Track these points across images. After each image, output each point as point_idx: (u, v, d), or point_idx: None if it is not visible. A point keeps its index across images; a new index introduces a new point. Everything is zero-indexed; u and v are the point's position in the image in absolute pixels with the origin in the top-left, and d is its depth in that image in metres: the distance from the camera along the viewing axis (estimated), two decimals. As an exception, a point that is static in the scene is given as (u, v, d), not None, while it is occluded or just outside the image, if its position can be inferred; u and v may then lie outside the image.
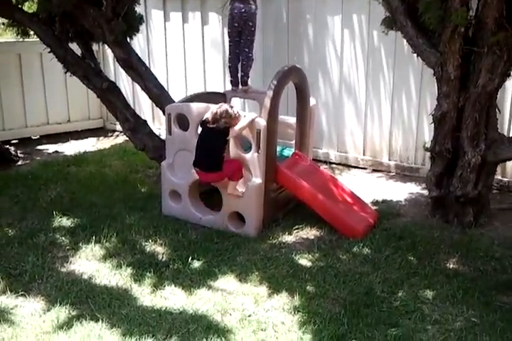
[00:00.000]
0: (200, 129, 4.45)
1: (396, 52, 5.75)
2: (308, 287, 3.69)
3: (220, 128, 4.23)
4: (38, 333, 3.19)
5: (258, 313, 3.40)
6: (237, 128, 4.26)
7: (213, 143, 4.32)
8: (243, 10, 4.85)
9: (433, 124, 4.63)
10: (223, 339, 3.14)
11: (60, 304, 3.46)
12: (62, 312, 3.38)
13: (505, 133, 4.96)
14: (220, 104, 4.33)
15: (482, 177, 4.56)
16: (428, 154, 4.85)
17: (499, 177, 5.40)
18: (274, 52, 6.39)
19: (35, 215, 4.78)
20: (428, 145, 4.73)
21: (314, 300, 3.54)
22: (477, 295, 3.59)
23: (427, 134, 5.63)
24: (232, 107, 4.30)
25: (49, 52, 5.39)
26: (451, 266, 4.00)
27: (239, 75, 5.21)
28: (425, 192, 5.10)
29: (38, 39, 5.44)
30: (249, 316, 3.37)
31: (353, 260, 4.06)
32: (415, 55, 4.55)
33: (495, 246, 4.27)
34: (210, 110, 4.27)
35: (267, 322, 3.31)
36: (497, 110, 4.52)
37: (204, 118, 4.32)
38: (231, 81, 5.32)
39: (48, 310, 3.41)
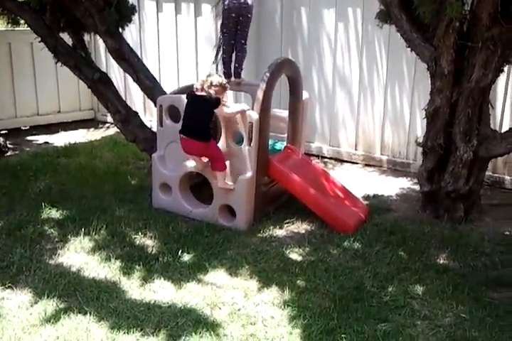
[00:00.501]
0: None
1: (390, 47, 5.73)
2: (298, 281, 3.68)
3: (209, 98, 4.16)
4: (25, 326, 3.15)
5: (248, 307, 3.38)
6: (227, 110, 4.23)
7: (201, 112, 4.24)
8: (242, 0, 4.80)
9: (426, 119, 4.62)
10: (212, 333, 3.12)
11: (48, 297, 3.42)
12: (49, 305, 3.34)
13: (497, 129, 4.96)
14: (208, 72, 4.29)
15: (474, 172, 4.56)
16: (420, 149, 4.84)
17: (490, 173, 5.41)
18: (267, 45, 6.35)
19: (24, 207, 4.72)
20: (420, 140, 4.72)
21: (304, 294, 3.53)
22: (467, 290, 3.60)
23: (420, 129, 5.62)
24: (220, 76, 4.29)
25: (40, 42, 5.30)
26: (442, 261, 4.00)
27: (232, 67, 5.17)
28: (416, 187, 5.10)
29: (28, 28, 5.35)
30: (239, 310, 3.36)
31: (343, 254, 4.05)
32: (409, 49, 4.53)
33: (485, 242, 4.28)
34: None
35: (257, 316, 3.29)
36: (490, 106, 4.51)
37: (191, 90, 4.27)
38: (224, 73, 5.27)
39: (36, 303, 3.37)
